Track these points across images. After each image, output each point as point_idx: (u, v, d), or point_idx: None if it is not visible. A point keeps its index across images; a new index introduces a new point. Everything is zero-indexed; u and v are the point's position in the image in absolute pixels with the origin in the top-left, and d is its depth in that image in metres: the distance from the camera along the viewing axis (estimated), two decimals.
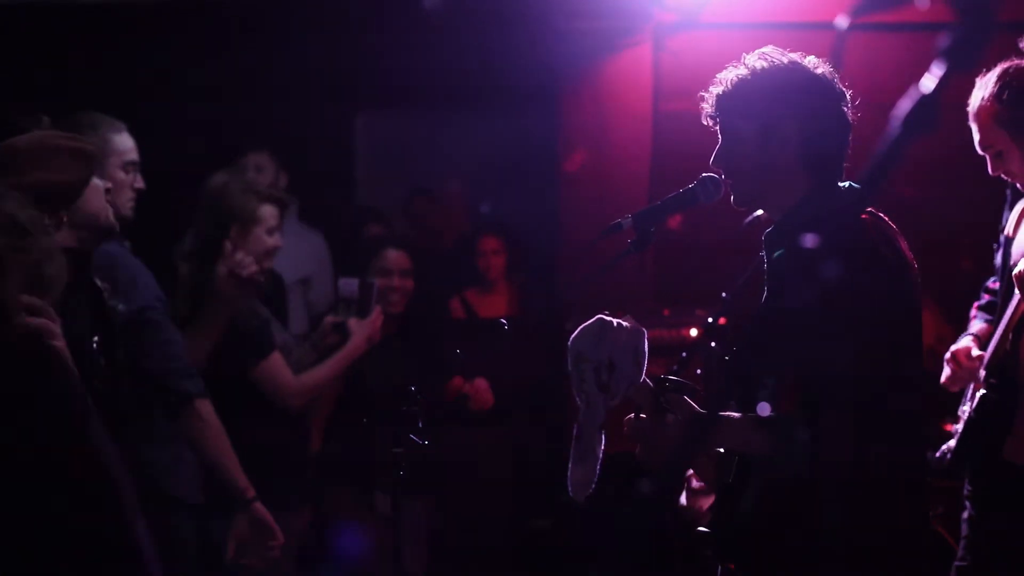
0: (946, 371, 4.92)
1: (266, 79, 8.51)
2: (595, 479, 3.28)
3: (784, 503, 3.16)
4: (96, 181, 4.32)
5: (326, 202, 8.51)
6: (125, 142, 5.03)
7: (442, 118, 10.07)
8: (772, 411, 3.05)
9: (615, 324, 3.28)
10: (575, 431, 3.31)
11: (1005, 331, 4.75)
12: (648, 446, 3.23)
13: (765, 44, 3.43)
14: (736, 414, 3.15)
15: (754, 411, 3.11)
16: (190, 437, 4.95)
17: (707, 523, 3.37)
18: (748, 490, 3.24)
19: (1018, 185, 4.77)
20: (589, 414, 3.29)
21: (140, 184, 5.07)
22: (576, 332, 3.31)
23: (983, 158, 4.71)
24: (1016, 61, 4.60)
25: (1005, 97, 4.56)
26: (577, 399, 3.32)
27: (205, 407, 4.92)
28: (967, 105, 4.65)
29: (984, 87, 4.58)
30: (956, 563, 4.90)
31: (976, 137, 4.65)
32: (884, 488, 3.16)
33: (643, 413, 3.24)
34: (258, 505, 4.90)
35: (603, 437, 3.29)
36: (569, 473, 3.30)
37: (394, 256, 6.29)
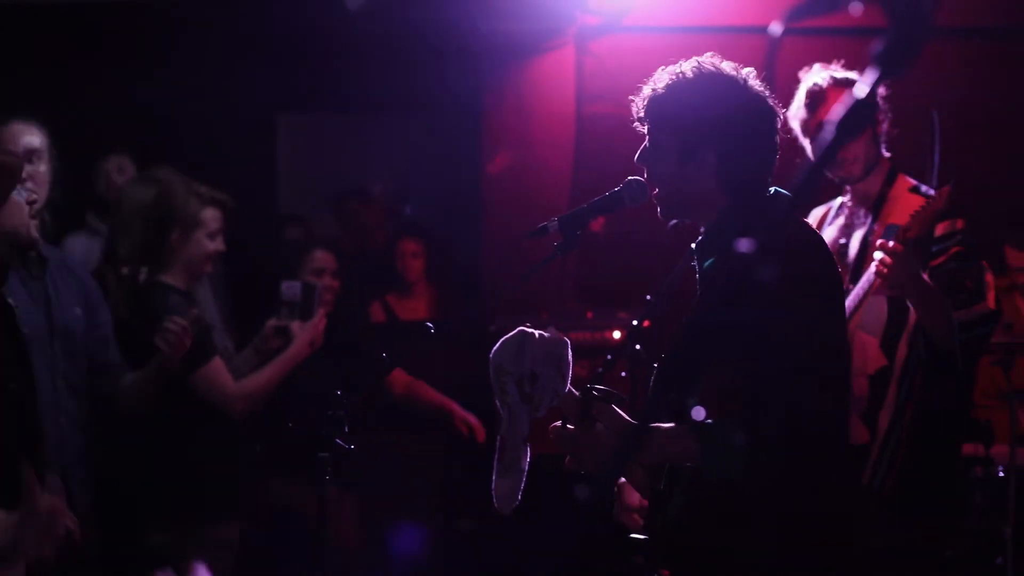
0: None
1: (188, 80, 8.44)
2: (520, 492, 3.27)
3: (715, 506, 3.17)
4: (16, 196, 4.26)
5: (248, 204, 8.45)
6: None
7: (365, 121, 10.03)
8: (706, 415, 3.04)
9: (536, 335, 3.26)
10: (498, 443, 3.29)
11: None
12: (577, 455, 3.21)
13: (688, 48, 3.41)
14: (668, 424, 3.13)
15: (686, 417, 3.11)
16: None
17: (639, 529, 3.37)
18: (678, 495, 3.24)
19: (852, 174, 4.98)
20: (512, 426, 3.27)
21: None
22: (497, 345, 3.29)
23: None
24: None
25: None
26: (500, 411, 3.30)
27: None
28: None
29: (825, 74, 4.83)
30: None
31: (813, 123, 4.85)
32: (817, 487, 3.18)
33: (570, 422, 3.23)
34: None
35: (528, 449, 3.28)
36: (493, 486, 3.28)
37: (323, 256, 6.35)
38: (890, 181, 4.93)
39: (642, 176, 3.47)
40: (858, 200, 4.97)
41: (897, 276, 4.53)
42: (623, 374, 5.72)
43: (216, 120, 8.53)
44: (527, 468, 3.27)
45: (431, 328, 3.70)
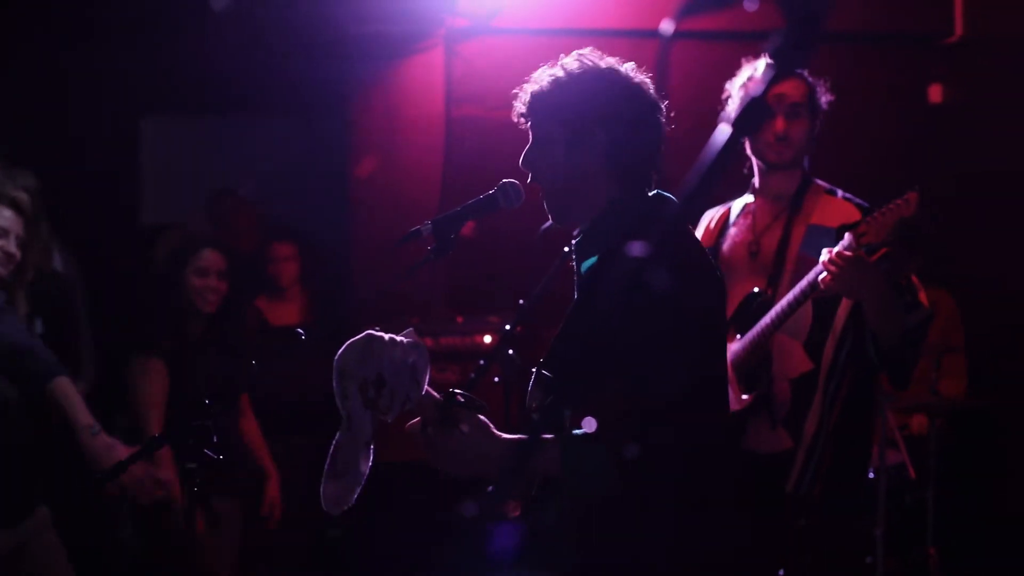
0: None
1: (47, 79, 8.26)
2: (355, 494, 3.19)
3: (593, 514, 3.13)
4: None
5: (110, 208, 8.29)
6: None
7: (232, 122, 9.91)
8: (596, 425, 2.98)
9: (386, 339, 3.17)
10: (333, 445, 3.21)
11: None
12: (436, 459, 3.16)
13: (557, 51, 3.38)
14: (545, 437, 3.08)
15: (566, 427, 3.06)
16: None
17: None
18: (553, 501, 3.20)
19: (783, 158, 4.96)
20: (352, 430, 3.19)
21: None
22: (342, 348, 3.21)
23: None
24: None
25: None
26: (341, 413, 3.22)
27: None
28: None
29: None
30: None
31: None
32: (705, 492, 3.16)
33: (429, 425, 3.17)
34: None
35: (371, 453, 3.21)
36: (322, 488, 3.20)
37: (212, 256, 6.15)
38: (806, 183, 4.93)
39: (516, 179, 3.44)
40: (770, 199, 4.95)
41: (849, 283, 4.52)
42: (496, 379, 5.69)
43: (76, 122, 8.34)
44: (367, 472, 3.20)
45: (302, 334, 3.62)
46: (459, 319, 7.43)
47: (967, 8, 8.18)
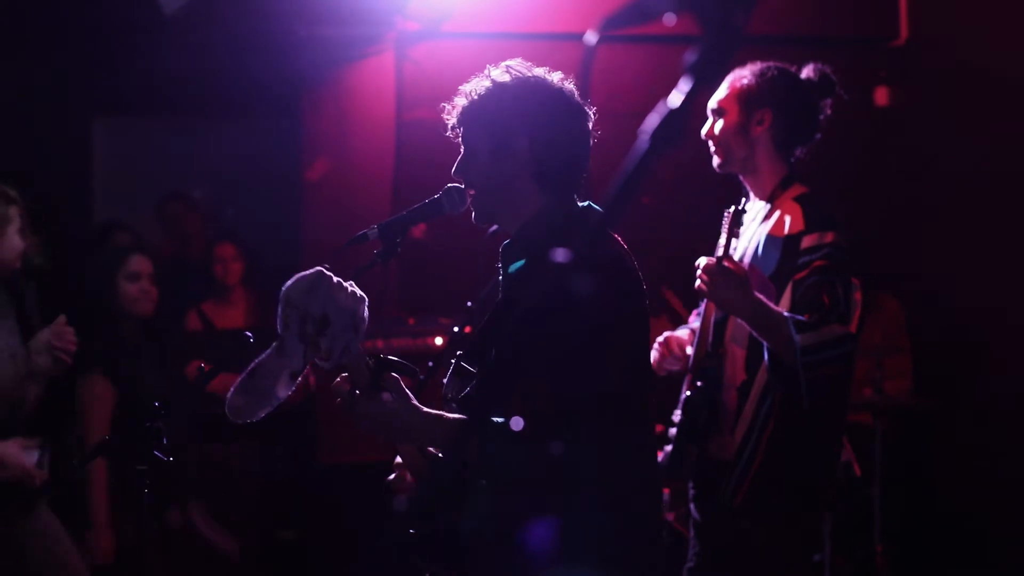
0: (654, 355, 4.95)
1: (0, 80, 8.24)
2: (262, 413, 3.21)
3: (519, 509, 3.18)
4: None
5: (63, 210, 8.25)
6: None
7: (183, 125, 9.89)
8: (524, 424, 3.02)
9: (335, 281, 3.20)
10: (252, 364, 3.22)
11: (703, 333, 4.86)
12: (356, 420, 3.19)
13: (508, 54, 3.44)
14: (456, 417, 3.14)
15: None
16: None
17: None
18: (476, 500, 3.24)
19: (715, 159, 4.88)
20: (280, 358, 3.19)
21: None
22: (291, 279, 3.23)
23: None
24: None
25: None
26: (278, 339, 3.23)
27: None
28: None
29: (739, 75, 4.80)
30: (686, 566, 4.96)
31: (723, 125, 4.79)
32: (628, 489, 3.21)
33: (358, 387, 3.20)
34: None
35: (294, 386, 3.23)
36: (229, 396, 3.22)
37: (141, 261, 6.20)
38: (782, 187, 4.77)
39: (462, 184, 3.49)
40: (752, 203, 4.83)
41: (717, 295, 4.47)
42: (445, 380, 5.70)
43: (29, 123, 8.32)
44: (282, 399, 3.21)
45: (250, 337, 3.63)
46: (411, 321, 7.45)
47: (912, 11, 8.24)
